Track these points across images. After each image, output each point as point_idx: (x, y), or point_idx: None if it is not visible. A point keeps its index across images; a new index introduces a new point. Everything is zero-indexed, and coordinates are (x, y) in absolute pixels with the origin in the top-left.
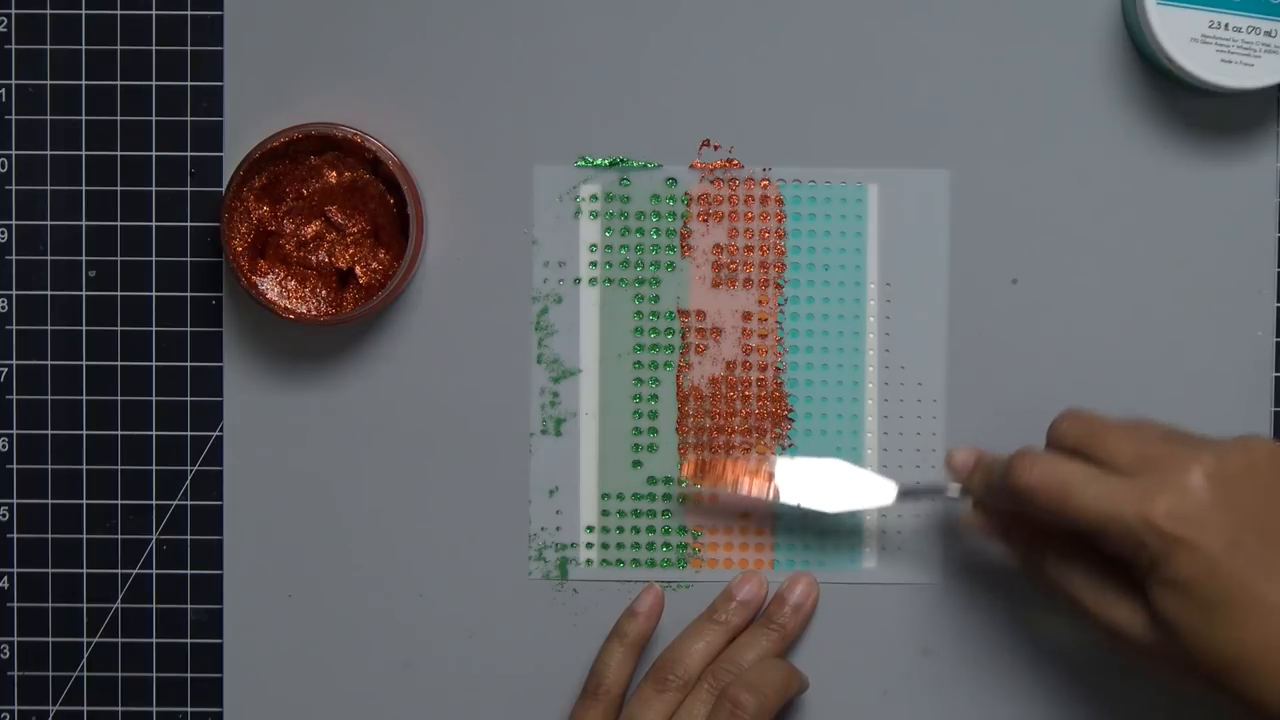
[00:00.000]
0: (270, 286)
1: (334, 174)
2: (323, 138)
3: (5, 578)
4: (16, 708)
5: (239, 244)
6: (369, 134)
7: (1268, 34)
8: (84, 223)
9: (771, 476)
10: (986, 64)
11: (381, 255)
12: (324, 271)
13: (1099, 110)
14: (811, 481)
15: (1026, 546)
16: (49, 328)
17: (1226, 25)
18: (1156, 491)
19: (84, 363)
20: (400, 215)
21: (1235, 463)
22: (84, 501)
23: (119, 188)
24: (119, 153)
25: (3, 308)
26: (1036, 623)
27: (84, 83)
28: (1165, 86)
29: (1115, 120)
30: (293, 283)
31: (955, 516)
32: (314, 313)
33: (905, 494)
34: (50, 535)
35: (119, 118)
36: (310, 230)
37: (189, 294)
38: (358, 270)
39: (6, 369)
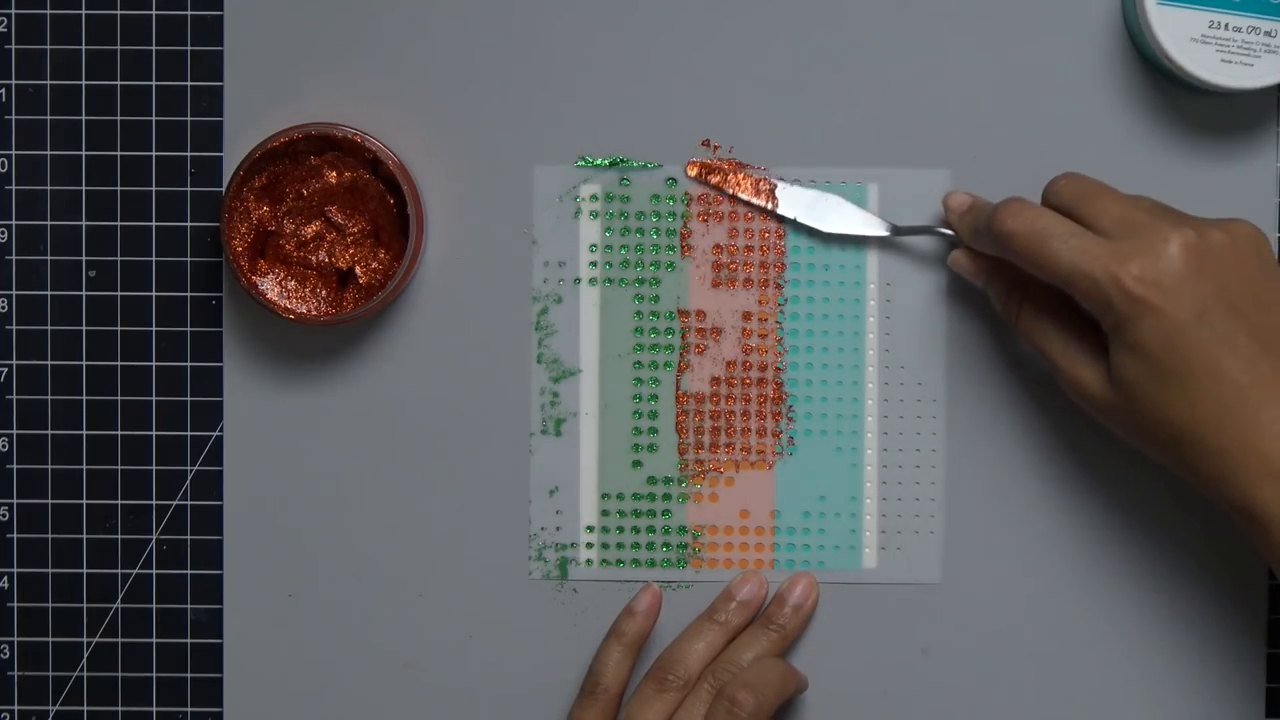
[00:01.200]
0: (270, 286)
1: (334, 174)
2: (323, 138)
3: (5, 578)
4: (16, 708)
5: (239, 244)
6: (369, 134)
7: (1268, 34)
8: (84, 223)
9: (772, 190)
10: (986, 64)
11: (381, 255)
12: (324, 271)
13: (1099, 110)
14: (811, 204)
15: (1006, 293)
16: (49, 328)
17: (1226, 25)
18: (1131, 254)
19: (84, 363)
20: (400, 215)
21: (1215, 238)
22: (84, 501)
23: (119, 188)
24: (119, 153)
25: (3, 308)
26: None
27: (84, 83)
28: (1165, 86)
29: (1115, 120)
30: (293, 283)
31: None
32: (314, 313)
33: (899, 231)
34: (50, 535)
35: (119, 118)
36: (310, 230)
37: (189, 294)
38: (358, 270)
39: (6, 369)
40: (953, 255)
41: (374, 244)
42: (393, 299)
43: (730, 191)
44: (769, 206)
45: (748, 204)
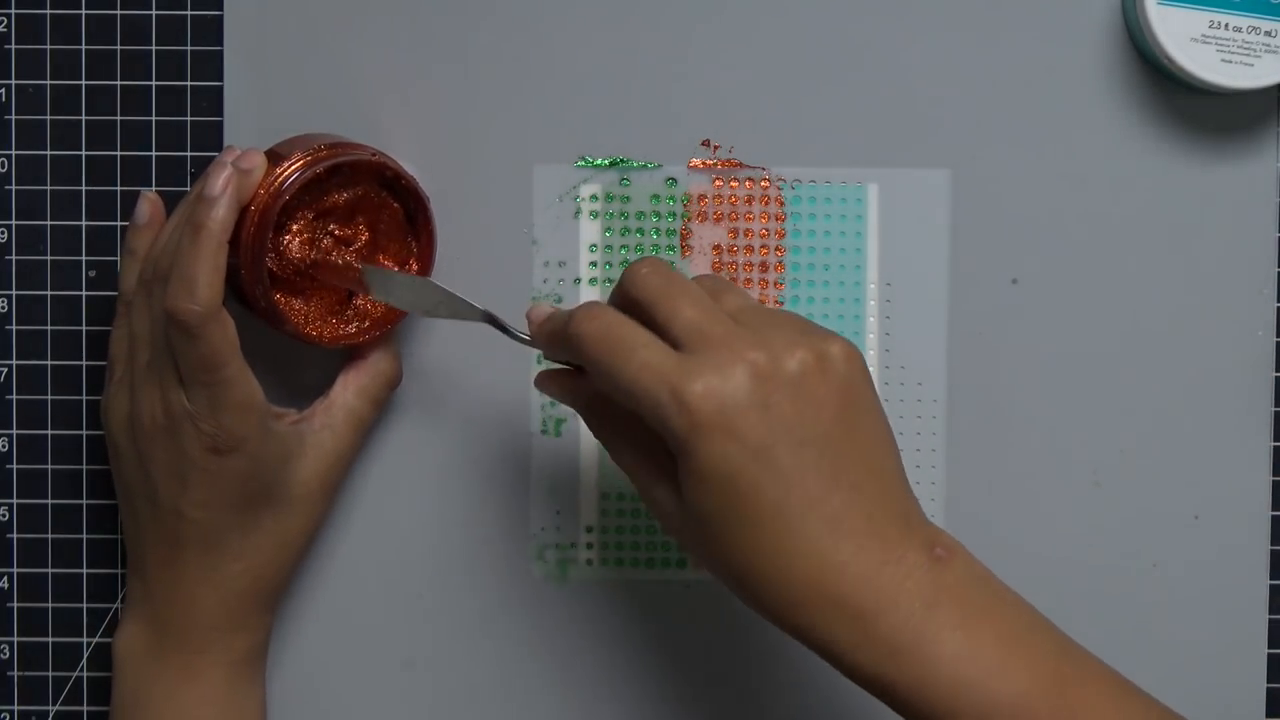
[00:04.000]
0: (295, 315)
1: (340, 195)
2: (331, 170)
3: (5, 578)
4: (16, 708)
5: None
6: (374, 146)
7: (1268, 34)
8: (84, 223)
9: (360, 278)
10: (986, 64)
11: (385, 263)
12: (335, 289)
13: (1099, 110)
14: (401, 287)
15: (588, 408)
16: (49, 328)
17: (1226, 25)
18: (697, 373)
19: (84, 363)
20: (406, 218)
21: (790, 364)
22: (84, 501)
23: (119, 188)
24: (119, 153)
25: (3, 308)
26: None
27: (84, 83)
28: (1165, 86)
29: (1115, 120)
30: (298, 302)
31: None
32: (353, 332)
33: (490, 321)
34: (50, 535)
35: (119, 118)
36: (319, 250)
37: None
38: None
39: (6, 369)
40: (537, 376)
41: (374, 250)
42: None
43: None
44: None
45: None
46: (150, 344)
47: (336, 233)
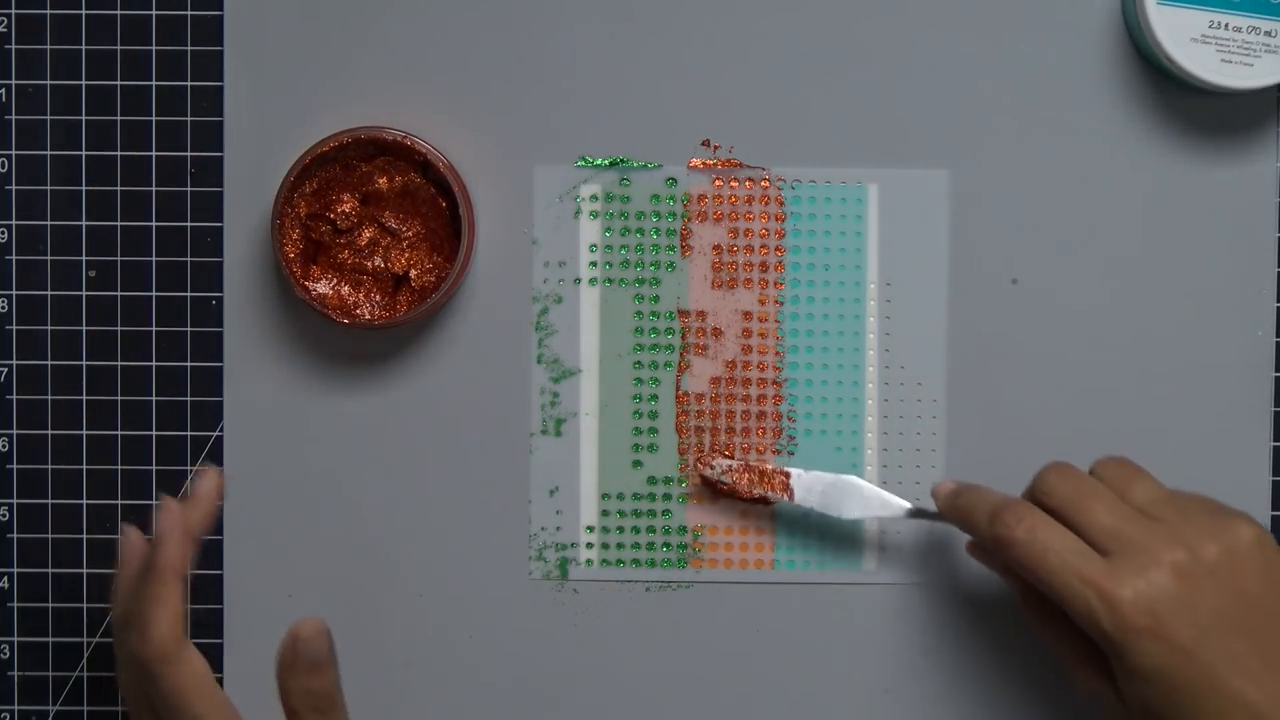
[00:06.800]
0: (326, 291)
1: (384, 179)
2: (372, 141)
3: (5, 578)
4: (16, 708)
5: (290, 250)
6: (418, 136)
7: (1268, 34)
8: (84, 223)
9: (786, 479)
10: (986, 64)
11: (436, 259)
12: (379, 277)
13: (1099, 110)
14: (826, 490)
15: (1023, 586)
16: (49, 328)
17: (1226, 25)
18: (1123, 577)
19: (84, 363)
20: (453, 218)
21: (1209, 555)
22: (84, 501)
23: (119, 188)
24: (119, 153)
25: (3, 308)
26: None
27: (84, 83)
28: (1165, 86)
29: (1115, 120)
30: (346, 288)
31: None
32: (369, 317)
33: (915, 514)
34: (50, 535)
35: (119, 118)
36: (364, 237)
37: (189, 294)
38: (413, 274)
39: (6, 369)
40: (967, 547)
41: (429, 248)
42: (445, 300)
43: (745, 495)
44: (784, 499)
45: (763, 499)
46: (134, 675)
47: (390, 223)
